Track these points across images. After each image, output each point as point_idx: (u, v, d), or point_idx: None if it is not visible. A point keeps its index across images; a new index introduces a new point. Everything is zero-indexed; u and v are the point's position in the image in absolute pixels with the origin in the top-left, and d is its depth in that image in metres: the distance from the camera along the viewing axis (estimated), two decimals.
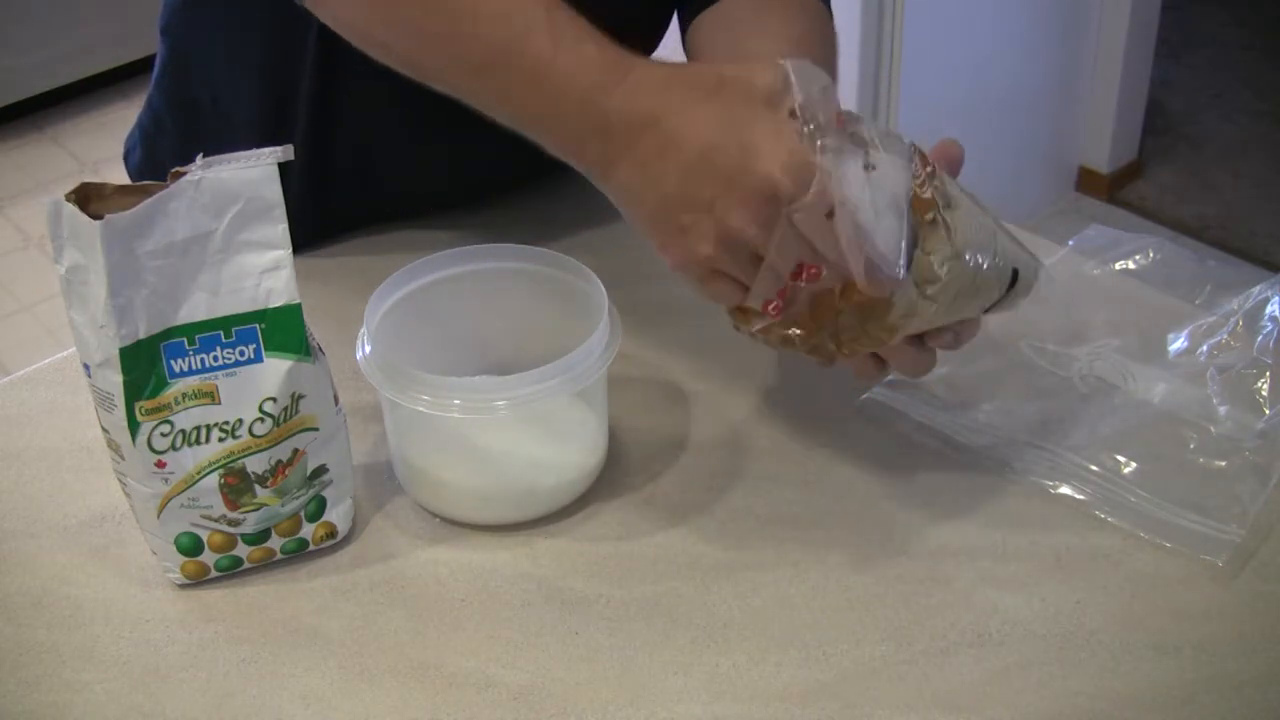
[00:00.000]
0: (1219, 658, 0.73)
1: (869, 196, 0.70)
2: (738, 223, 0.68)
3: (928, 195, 0.73)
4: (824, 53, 0.92)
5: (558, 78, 0.69)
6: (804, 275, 0.72)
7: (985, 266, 0.76)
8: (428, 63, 0.75)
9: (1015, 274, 0.79)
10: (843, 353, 0.77)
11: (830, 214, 0.69)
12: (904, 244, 0.71)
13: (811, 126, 0.70)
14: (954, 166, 0.77)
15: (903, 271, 0.71)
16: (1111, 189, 2.96)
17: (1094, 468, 0.83)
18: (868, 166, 0.70)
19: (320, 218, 1.05)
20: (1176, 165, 3.06)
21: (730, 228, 0.68)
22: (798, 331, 0.76)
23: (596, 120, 0.69)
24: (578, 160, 0.72)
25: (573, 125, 0.70)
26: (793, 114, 0.69)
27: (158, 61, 1.07)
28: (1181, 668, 0.72)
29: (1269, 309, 0.93)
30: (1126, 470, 0.83)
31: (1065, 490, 0.82)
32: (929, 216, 0.73)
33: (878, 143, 0.72)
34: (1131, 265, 1.00)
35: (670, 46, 1.12)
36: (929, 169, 0.74)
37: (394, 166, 1.04)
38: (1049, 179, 2.94)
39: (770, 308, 0.73)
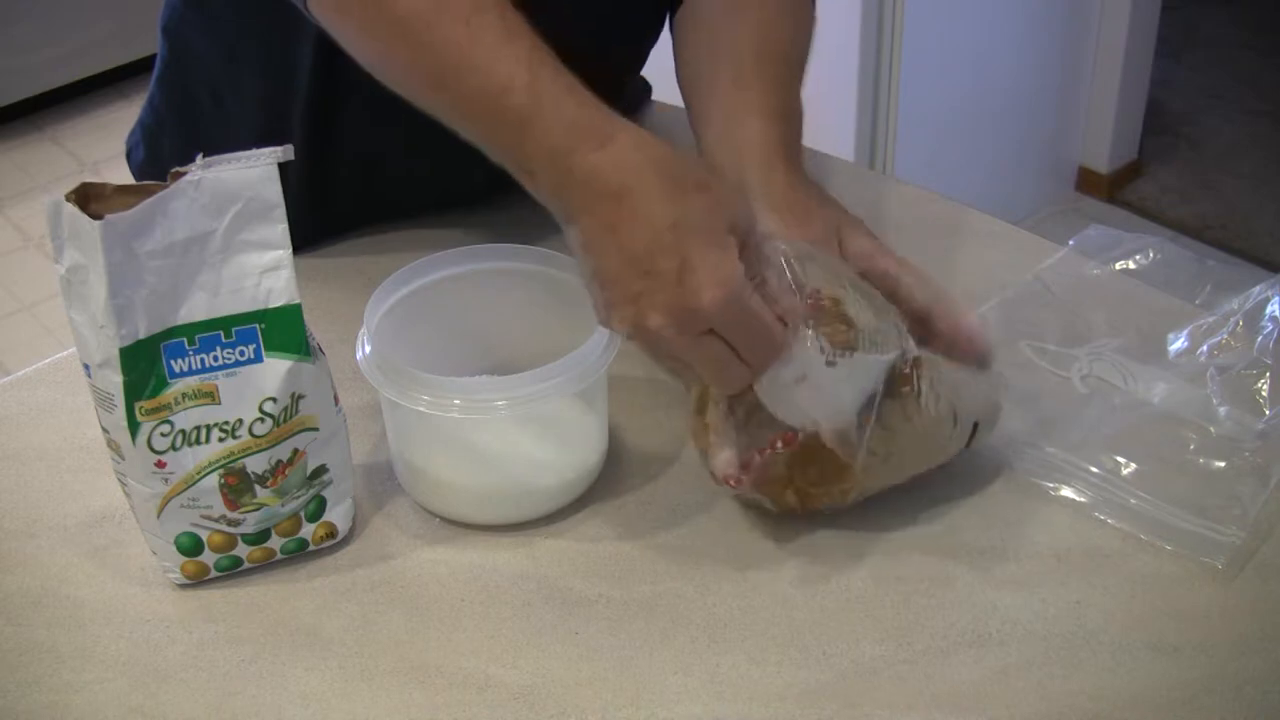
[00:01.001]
0: (1219, 658, 0.73)
1: (827, 380, 0.73)
2: (654, 325, 0.70)
3: (906, 372, 0.76)
4: (795, 36, 0.93)
5: (536, 134, 0.71)
6: (778, 445, 0.76)
7: (947, 434, 0.80)
8: (415, 98, 0.76)
9: (975, 426, 0.81)
10: (803, 506, 0.80)
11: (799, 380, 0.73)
12: (859, 432, 0.75)
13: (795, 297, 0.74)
14: (977, 352, 0.81)
15: (860, 455, 0.75)
16: (1111, 189, 2.96)
17: (1094, 469, 0.83)
18: (829, 362, 0.73)
19: (321, 218, 1.05)
20: (1176, 165, 3.06)
21: (646, 326, 0.70)
22: (761, 497, 0.80)
23: (564, 177, 0.71)
24: (548, 205, 0.74)
25: (545, 178, 0.72)
26: (743, 249, 0.71)
27: (158, 60, 1.07)
28: (1181, 668, 0.72)
29: (1269, 309, 0.93)
30: (1126, 471, 0.83)
31: (1065, 492, 0.82)
32: (904, 389, 0.76)
33: (861, 321, 0.74)
34: (1131, 265, 1.00)
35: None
36: (908, 343, 0.76)
37: (394, 165, 1.04)
38: (1049, 179, 2.94)
39: (736, 478, 0.77)
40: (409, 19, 0.73)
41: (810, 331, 0.72)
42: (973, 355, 0.80)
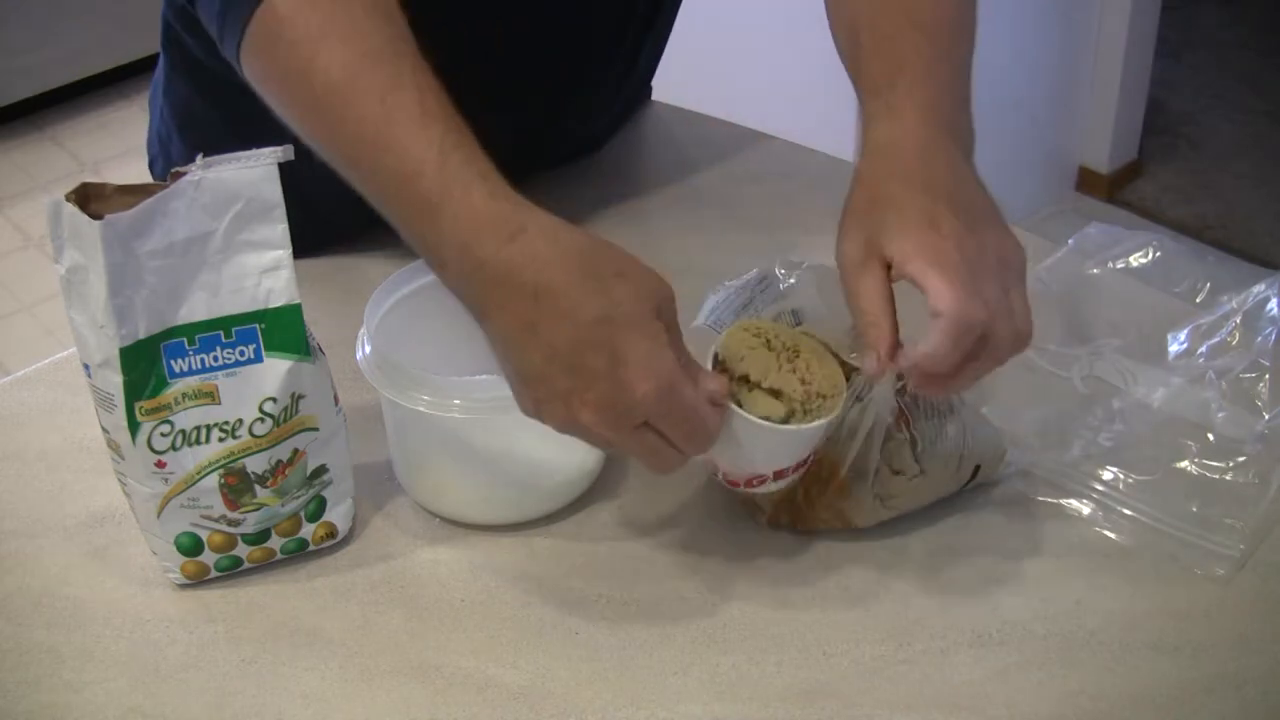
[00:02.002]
0: (1219, 658, 0.73)
1: (760, 449, 0.73)
2: (587, 421, 0.67)
3: (894, 414, 0.76)
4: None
5: (445, 222, 0.68)
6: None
7: (949, 476, 0.80)
8: (337, 169, 0.74)
9: (976, 469, 0.82)
10: (795, 525, 0.81)
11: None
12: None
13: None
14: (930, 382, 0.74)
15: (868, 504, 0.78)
16: (1111, 189, 2.96)
17: (1096, 485, 0.83)
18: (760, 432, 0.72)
19: (321, 219, 1.05)
20: (1176, 165, 3.06)
21: (579, 423, 0.68)
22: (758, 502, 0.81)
23: (474, 271, 0.68)
24: (460, 299, 0.71)
25: (455, 269, 0.69)
26: (669, 333, 0.68)
27: (160, 70, 1.07)
28: (1181, 668, 0.72)
29: (1269, 309, 0.93)
30: (1127, 483, 0.83)
31: (1067, 507, 0.82)
32: (900, 435, 0.77)
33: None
34: (1132, 264, 1.00)
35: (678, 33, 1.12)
36: (903, 381, 0.76)
37: None
38: (1049, 179, 2.94)
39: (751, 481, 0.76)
40: (326, 93, 0.71)
41: (738, 410, 0.71)
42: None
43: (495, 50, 0.96)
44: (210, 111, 1.04)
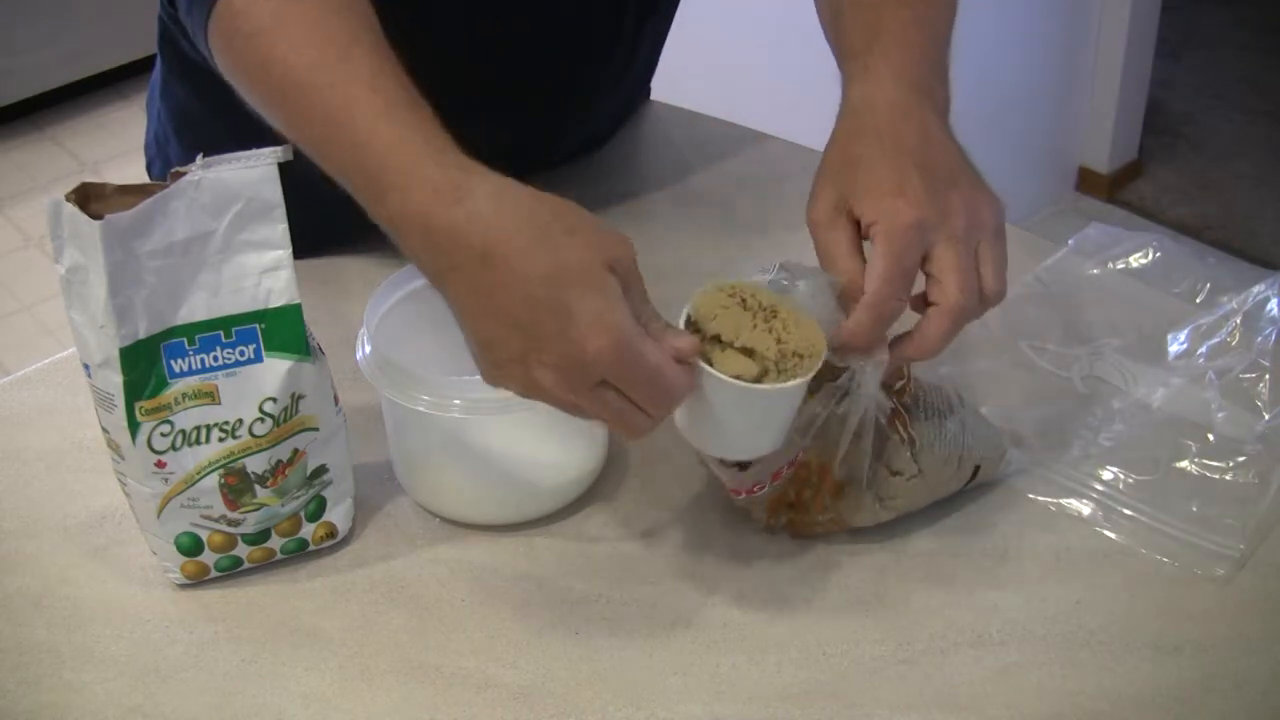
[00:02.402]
0: (1219, 658, 0.73)
1: (738, 416, 0.71)
2: (545, 383, 0.67)
3: (896, 416, 0.76)
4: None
5: (398, 193, 0.68)
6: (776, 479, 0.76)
7: (948, 477, 0.80)
8: (301, 148, 0.74)
9: (976, 469, 0.81)
10: (794, 531, 0.81)
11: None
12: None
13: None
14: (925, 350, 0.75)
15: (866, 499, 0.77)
16: (1111, 189, 2.96)
17: (1096, 485, 0.83)
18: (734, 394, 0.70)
19: (320, 219, 1.04)
20: (1176, 165, 3.06)
21: (538, 385, 0.67)
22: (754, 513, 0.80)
23: (426, 238, 0.68)
24: (420, 268, 0.71)
25: (410, 240, 0.69)
26: (627, 289, 0.67)
27: (157, 72, 1.07)
28: (1181, 668, 0.72)
29: (1269, 309, 0.93)
30: (1127, 484, 0.83)
31: (1068, 508, 0.82)
32: (897, 436, 0.77)
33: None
34: (1132, 264, 1.00)
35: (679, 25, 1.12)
36: (904, 381, 0.76)
37: None
38: (1049, 179, 2.94)
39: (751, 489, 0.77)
40: (285, 84, 0.72)
41: (707, 367, 0.69)
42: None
43: (495, 51, 0.96)
44: (207, 114, 1.04)
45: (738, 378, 0.69)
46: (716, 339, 0.70)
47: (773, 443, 0.73)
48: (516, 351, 0.67)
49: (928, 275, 0.74)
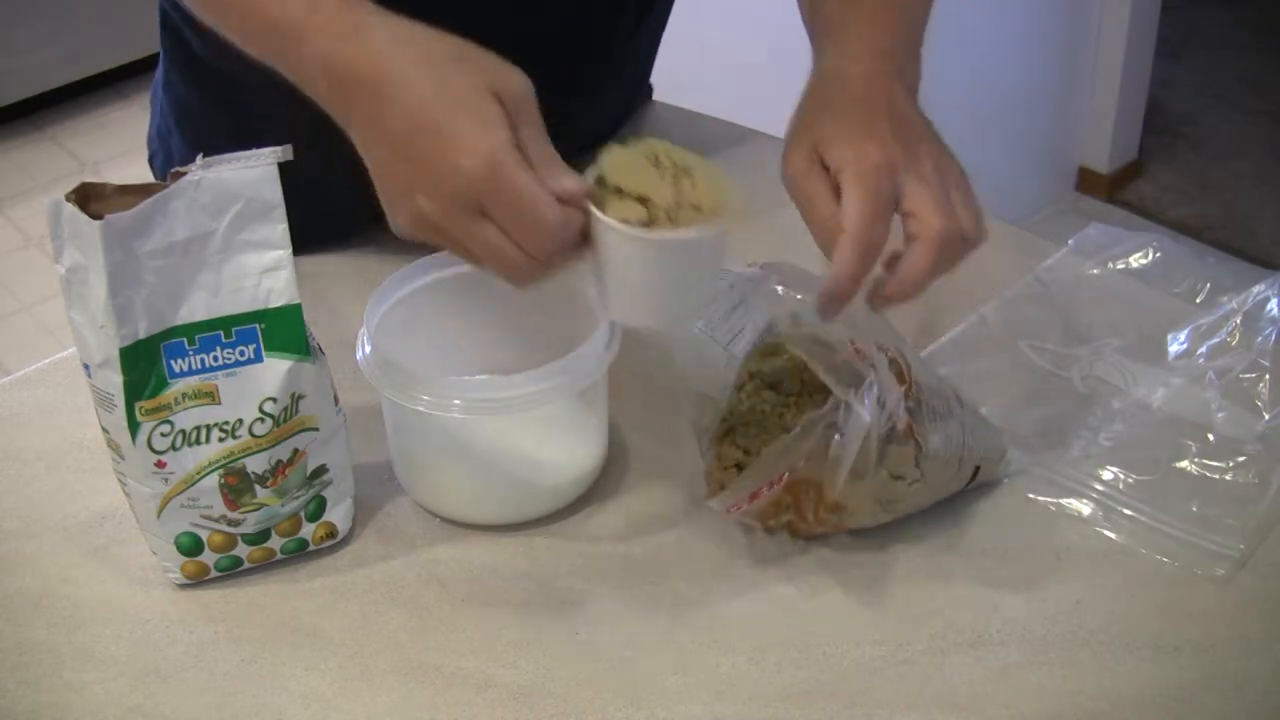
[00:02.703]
0: (1219, 658, 0.73)
1: (632, 270, 0.69)
2: (426, 208, 0.68)
3: (903, 425, 0.75)
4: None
5: (307, 42, 0.70)
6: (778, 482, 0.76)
7: (950, 477, 0.80)
8: (217, 28, 0.78)
9: (976, 470, 0.81)
10: (794, 534, 0.80)
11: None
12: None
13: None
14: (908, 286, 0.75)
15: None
16: (1111, 189, 2.96)
17: (1096, 485, 0.83)
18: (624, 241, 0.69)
19: (320, 217, 1.05)
20: (1176, 165, 3.06)
21: (422, 215, 0.68)
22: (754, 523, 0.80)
23: (328, 76, 0.70)
24: (334, 117, 0.72)
25: (319, 85, 0.71)
26: (518, 122, 0.68)
27: (160, 64, 1.07)
28: (1181, 668, 0.72)
29: (1269, 309, 0.93)
30: (1127, 483, 0.83)
31: (1068, 507, 0.82)
32: (906, 444, 0.76)
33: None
34: (1132, 264, 1.00)
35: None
36: (905, 385, 0.76)
37: None
38: (1049, 179, 2.94)
39: (738, 505, 0.76)
40: None
41: (595, 210, 0.67)
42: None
43: (495, 50, 0.96)
44: (208, 108, 1.04)
45: (625, 222, 0.67)
46: (618, 190, 0.69)
47: (670, 310, 0.71)
48: (403, 181, 0.68)
49: (904, 215, 0.73)
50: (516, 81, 0.69)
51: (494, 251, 0.68)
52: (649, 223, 0.67)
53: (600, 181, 0.69)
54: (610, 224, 0.67)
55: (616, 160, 0.70)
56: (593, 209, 0.68)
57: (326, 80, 0.70)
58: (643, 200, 0.68)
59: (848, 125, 0.75)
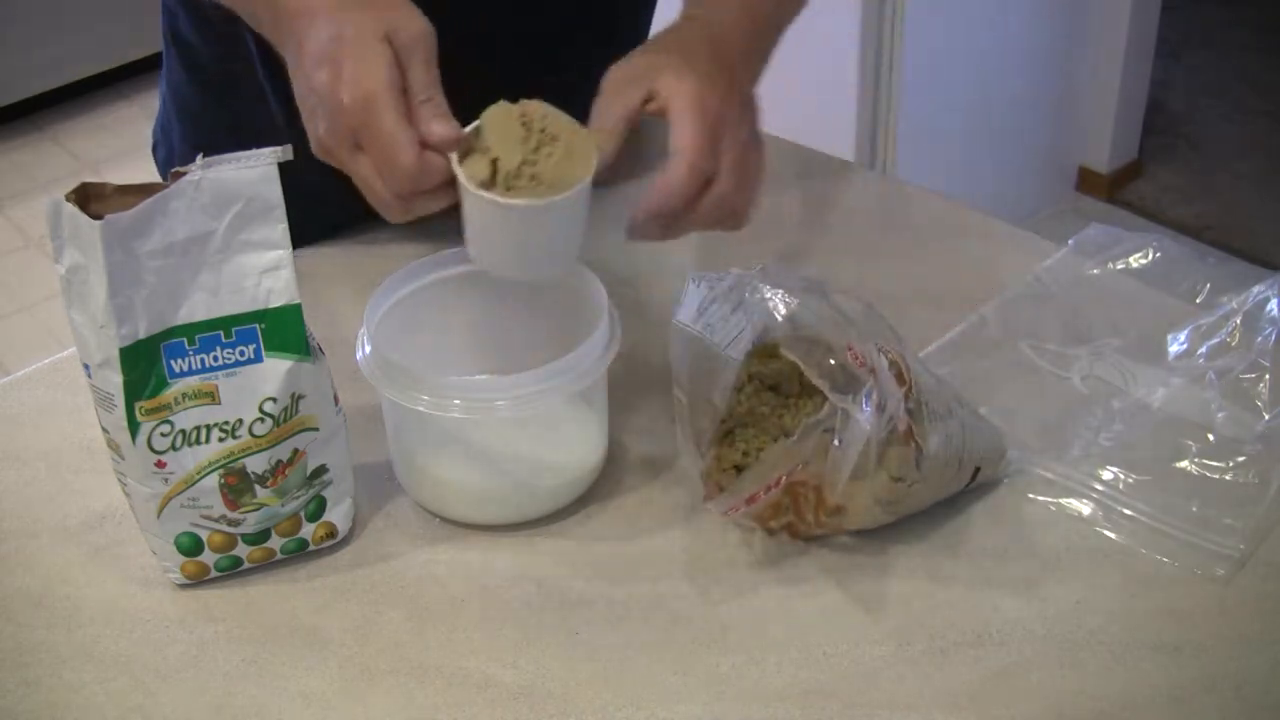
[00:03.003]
0: (1219, 658, 0.73)
1: (490, 225, 0.75)
2: (321, 133, 0.74)
3: (903, 427, 0.75)
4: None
5: None
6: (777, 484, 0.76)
7: (950, 478, 0.80)
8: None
9: (977, 470, 0.81)
10: (794, 536, 0.81)
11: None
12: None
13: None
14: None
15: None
16: (1111, 189, 2.96)
17: (1096, 485, 0.83)
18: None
19: (319, 215, 1.05)
20: (1176, 165, 3.06)
21: (318, 136, 0.75)
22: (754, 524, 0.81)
23: (275, 18, 0.78)
24: (277, 47, 0.79)
25: (268, 21, 0.79)
26: (410, 66, 0.73)
27: (163, 58, 1.08)
28: (1181, 668, 0.72)
29: (1269, 309, 0.93)
30: (1127, 483, 0.83)
31: (1068, 507, 0.82)
32: (907, 447, 0.76)
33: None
34: (1132, 264, 1.00)
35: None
36: (905, 386, 0.76)
37: None
38: (1049, 179, 2.94)
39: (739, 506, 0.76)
40: None
41: (453, 160, 0.73)
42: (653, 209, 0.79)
43: (492, 47, 0.97)
44: (207, 102, 1.04)
45: (469, 179, 0.72)
46: (487, 151, 0.74)
47: (513, 263, 0.77)
48: (310, 105, 0.75)
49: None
50: (411, 24, 0.74)
51: (365, 184, 0.74)
52: (488, 183, 0.73)
53: (477, 133, 0.74)
54: (456, 174, 0.73)
55: (492, 117, 0.75)
56: (451, 158, 0.73)
57: (270, 14, 0.78)
58: (494, 161, 0.73)
59: (695, 69, 0.79)
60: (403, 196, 0.74)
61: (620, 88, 0.79)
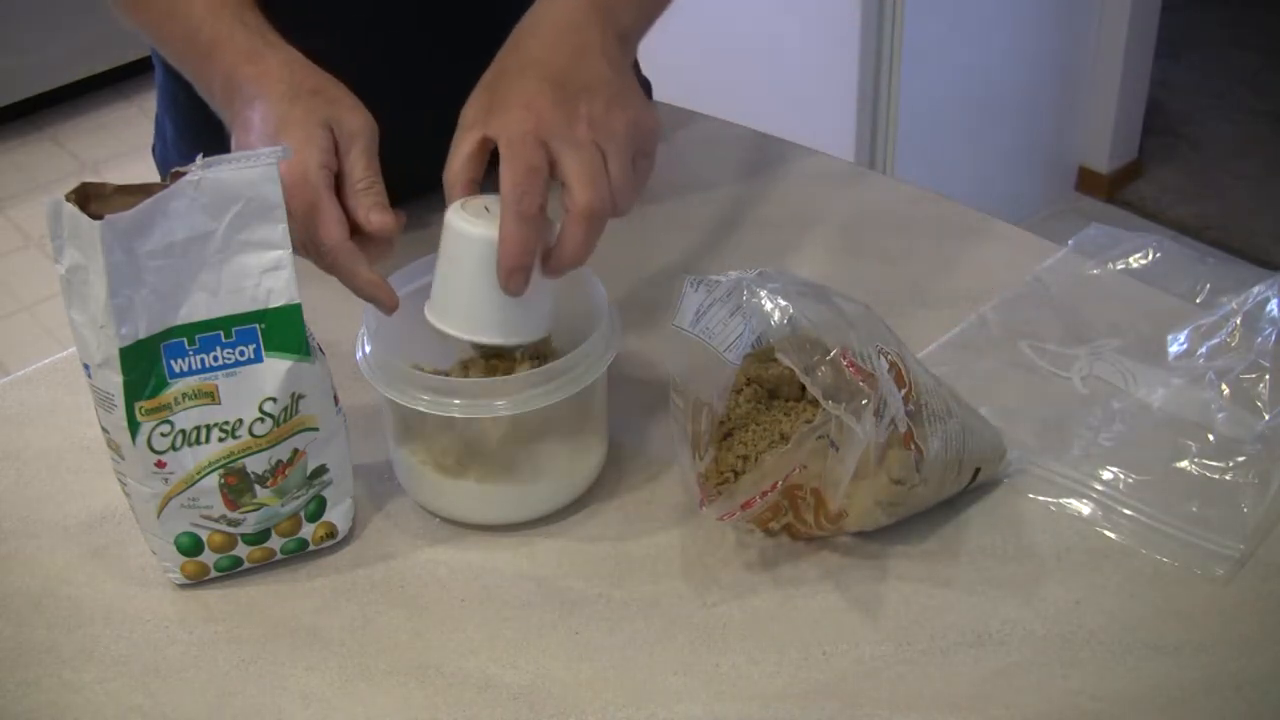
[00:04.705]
0: (1219, 658, 0.73)
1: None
2: None
3: (904, 430, 0.75)
4: None
5: (215, 60, 0.83)
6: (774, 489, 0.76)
7: (951, 480, 0.80)
8: (155, 44, 0.93)
9: (977, 471, 0.81)
10: (793, 537, 0.81)
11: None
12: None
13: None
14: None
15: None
16: (1111, 189, 2.96)
17: (1096, 485, 0.83)
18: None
19: None
20: (1176, 165, 3.06)
21: None
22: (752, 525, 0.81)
23: (225, 89, 0.83)
24: (226, 124, 0.84)
25: (220, 97, 0.83)
26: (349, 154, 0.80)
27: (155, 61, 1.08)
28: (1181, 668, 0.72)
29: (1268, 309, 0.93)
30: (1127, 483, 0.83)
31: (1067, 507, 0.82)
32: (907, 451, 0.76)
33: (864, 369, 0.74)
34: (1132, 264, 1.00)
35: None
36: (905, 389, 0.76)
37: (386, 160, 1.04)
38: (1049, 179, 2.94)
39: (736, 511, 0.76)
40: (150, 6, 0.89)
41: (459, 209, 0.77)
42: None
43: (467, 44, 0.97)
44: (193, 95, 1.04)
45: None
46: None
47: (493, 320, 0.78)
48: None
49: (561, 184, 0.77)
50: (356, 119, 0.80)
51: (300, 244, 0.77)
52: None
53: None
54: (455, 221, 0.77)
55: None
56: (450, 211, 0.78)
57: (223, 89, 0.83)
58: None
59: (513, 91, 0.79)
60: (323, 260, 0.78)
61: (463, 136, 0.80)
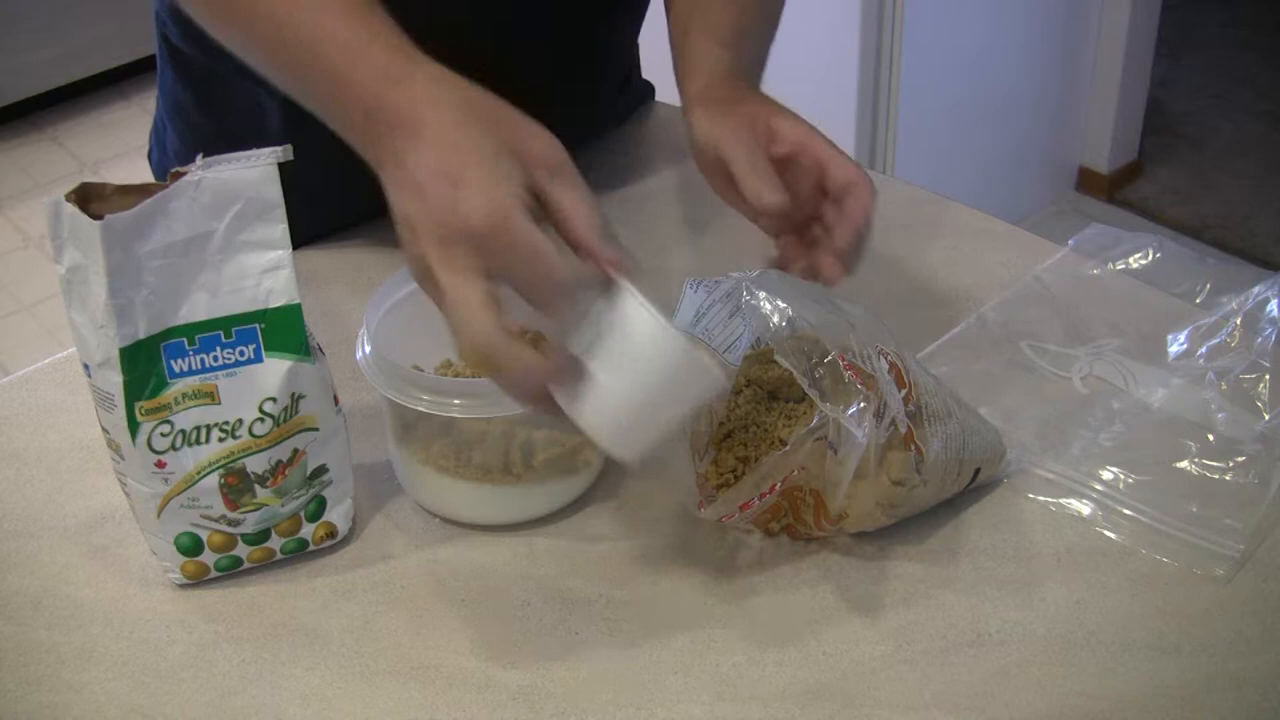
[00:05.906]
0: (1219, 658, 0.73)
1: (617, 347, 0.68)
2: (428, 252, 0.66)
3: (904, 431, 0.75)
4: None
5: (352, 85, 0.71)
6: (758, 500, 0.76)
7: (951, 480, 0.80)
8: (261, 70, 0.78)
9: (977, 472, 0.81)
10: (792, 538, 0.81)
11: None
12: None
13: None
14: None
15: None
16: (1111, 189, 2.96)
17: (1096, 485, 0.83)
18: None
19: (314, 215, 1.05)
20: (1176, 165, 3.06)
21: (418, 256, 0.67)
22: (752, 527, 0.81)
23: (369, 119, 0.70)
24: (370, 162, 0.72)
25: (358, 125, 0.71)
26: (544, 189, 0.68)
27: (157, 62, 1.08)
28: (1181, 668, 0.72)
29: (1268, 309, 0.93)
30: (1127, 483, 0.83)
31: (1068, 508, 0.82)
32: (907, 451, 0.76)
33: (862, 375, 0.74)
34: (1132, 265, 1.00)
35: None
36: (905, 390, 0.76)
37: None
38: (1049, 179, 2.94)
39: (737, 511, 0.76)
40: (257, 11, 0.75)
41: (630, 287, 0.67)
42: (854, 229, 0.83)
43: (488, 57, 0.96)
44: (199, 101, 1.04)
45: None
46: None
47: (650, 431, 0.69)
48: (415, 221, 0.67)
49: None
50: (543, 146, 0.69)
51: (464, 310, 0.66)
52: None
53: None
54: (641, 306, 0.66)
55: None
56: (625, 283, 0.66)
57: (367, 120, 0.70)
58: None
59: (784, 110, 0.85)
60: (549, 308, 0.67)
61: (734, 142, 0.83)
